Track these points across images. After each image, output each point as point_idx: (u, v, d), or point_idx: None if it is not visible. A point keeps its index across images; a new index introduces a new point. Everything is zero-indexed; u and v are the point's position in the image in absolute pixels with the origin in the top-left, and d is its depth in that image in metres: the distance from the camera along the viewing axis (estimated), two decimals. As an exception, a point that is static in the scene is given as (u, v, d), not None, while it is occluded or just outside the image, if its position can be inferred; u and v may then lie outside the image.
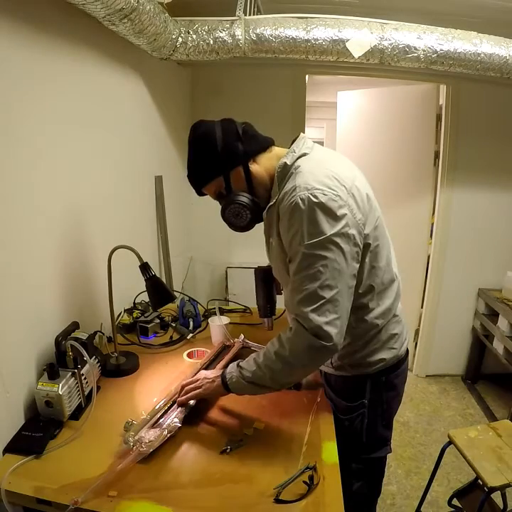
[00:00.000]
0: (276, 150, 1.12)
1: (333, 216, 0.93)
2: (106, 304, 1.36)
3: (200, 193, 1.14)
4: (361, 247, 1.00)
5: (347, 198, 0.96)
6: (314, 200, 0.93)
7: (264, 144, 1.11)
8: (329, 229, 0.93)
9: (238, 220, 1.10)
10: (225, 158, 1.05)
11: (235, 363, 1.10)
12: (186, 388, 1.14)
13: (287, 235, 0.99)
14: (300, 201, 0.94)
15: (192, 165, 1.10)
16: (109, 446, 1.01)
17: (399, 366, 1.20)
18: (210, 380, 1.12)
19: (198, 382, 1.13)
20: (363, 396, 1.17)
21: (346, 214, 0.95)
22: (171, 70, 2.30)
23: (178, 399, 1.12)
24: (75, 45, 1.33)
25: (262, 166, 1.09)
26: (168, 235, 2.29)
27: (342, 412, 1.20)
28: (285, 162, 1.04)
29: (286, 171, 1.04)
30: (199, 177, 1.11)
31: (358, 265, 1.00)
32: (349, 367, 1.16)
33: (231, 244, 2.90)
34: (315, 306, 0.94)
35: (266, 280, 1.37)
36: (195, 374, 1.22)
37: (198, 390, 1.12)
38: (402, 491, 2.06)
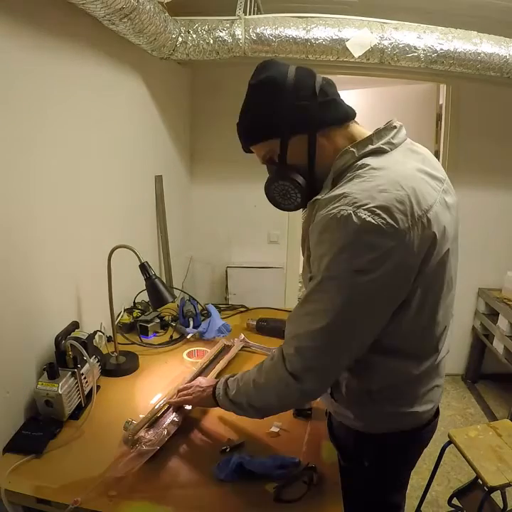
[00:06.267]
0: (354, 128, 0.87)
1: (373, 247, 0.69)
2: (106, 303, 1.36)
3: (247, 150, 0.93)
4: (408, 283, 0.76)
5: (405, 229, 0.70)
6: (356, 221, 0.68)
7: (342, 116, 0.86)
8: (362, 263, 0.70)
9: (284, 200, 0.89)
10: (290, 118, 0.81)
11: (229, 375, 0.99)
12: (180, 393, 1.12)
13: (316, 249, 0.77)
14: (339, 217, 0.70)
15: (247, 114, 0.88)
16: (109, 446, 1.01)
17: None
18: (202, 390, 1.06)
19: (191, 390, 1.09)
20: (363, 456, 0.97)
21: (393, 248, 0.69)
22: (171, 69, 2.30)
23: (170, 401, 1.12)
24: (74, 45, 1.33)
25: (332, 142, 0.84)
26: (168, 235, 2.28)
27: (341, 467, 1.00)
28: (353, 151, 0.80)
29: (346, 165, 0.80)
30: (251, 132, 0.88)
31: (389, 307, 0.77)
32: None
33: (231, 245, 2.89)
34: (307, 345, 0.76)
35: None
36: (192, 379, 1.20)
37: (187, 397, 1.09)
38: (402, 490, 2.06)
